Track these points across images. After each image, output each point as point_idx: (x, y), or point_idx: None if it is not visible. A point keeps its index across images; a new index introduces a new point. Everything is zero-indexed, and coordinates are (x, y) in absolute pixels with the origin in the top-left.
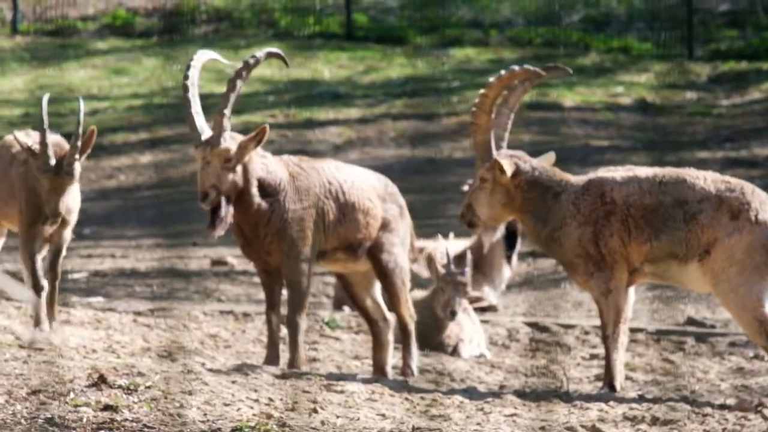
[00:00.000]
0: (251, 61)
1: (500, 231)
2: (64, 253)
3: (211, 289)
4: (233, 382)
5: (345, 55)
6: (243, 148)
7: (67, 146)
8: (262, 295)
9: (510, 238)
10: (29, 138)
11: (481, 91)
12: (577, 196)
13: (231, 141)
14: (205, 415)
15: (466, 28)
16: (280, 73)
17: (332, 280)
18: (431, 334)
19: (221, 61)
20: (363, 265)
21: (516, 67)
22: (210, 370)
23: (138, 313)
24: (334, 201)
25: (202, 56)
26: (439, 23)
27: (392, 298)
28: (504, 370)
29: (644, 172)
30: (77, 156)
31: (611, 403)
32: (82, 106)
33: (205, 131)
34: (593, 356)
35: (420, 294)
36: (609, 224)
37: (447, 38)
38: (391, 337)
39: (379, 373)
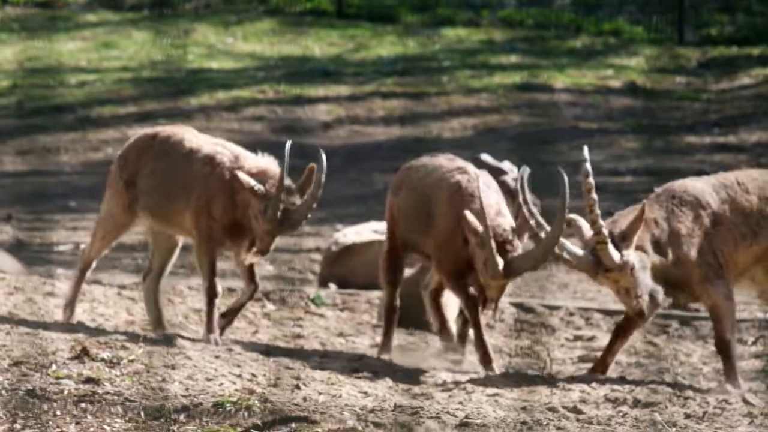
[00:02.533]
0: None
1: None
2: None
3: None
4: (216, 357)
5: (335, 32)
6: None
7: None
8: None
9: None
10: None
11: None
12: (674, 214)
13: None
14: (186, 389)
15: (457, 8)
16: (271, 49)
17: (318, 257)
18: (417, 312)
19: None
20: None
21: None
22: (193, 344)
23: (122, 287)
24: None
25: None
26: (431, 2)
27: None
28: None
29: (719, 178)
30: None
31: (593, 384)
32: (324, 161)
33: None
34: (577, 338)
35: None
36: (718, 233)
37: (438, 18)
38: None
39: None
